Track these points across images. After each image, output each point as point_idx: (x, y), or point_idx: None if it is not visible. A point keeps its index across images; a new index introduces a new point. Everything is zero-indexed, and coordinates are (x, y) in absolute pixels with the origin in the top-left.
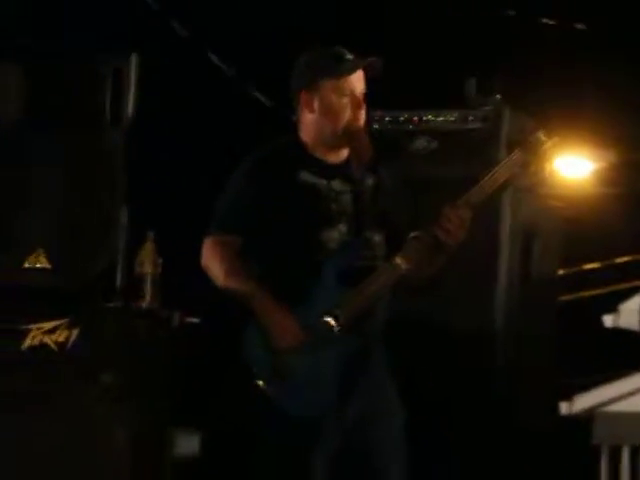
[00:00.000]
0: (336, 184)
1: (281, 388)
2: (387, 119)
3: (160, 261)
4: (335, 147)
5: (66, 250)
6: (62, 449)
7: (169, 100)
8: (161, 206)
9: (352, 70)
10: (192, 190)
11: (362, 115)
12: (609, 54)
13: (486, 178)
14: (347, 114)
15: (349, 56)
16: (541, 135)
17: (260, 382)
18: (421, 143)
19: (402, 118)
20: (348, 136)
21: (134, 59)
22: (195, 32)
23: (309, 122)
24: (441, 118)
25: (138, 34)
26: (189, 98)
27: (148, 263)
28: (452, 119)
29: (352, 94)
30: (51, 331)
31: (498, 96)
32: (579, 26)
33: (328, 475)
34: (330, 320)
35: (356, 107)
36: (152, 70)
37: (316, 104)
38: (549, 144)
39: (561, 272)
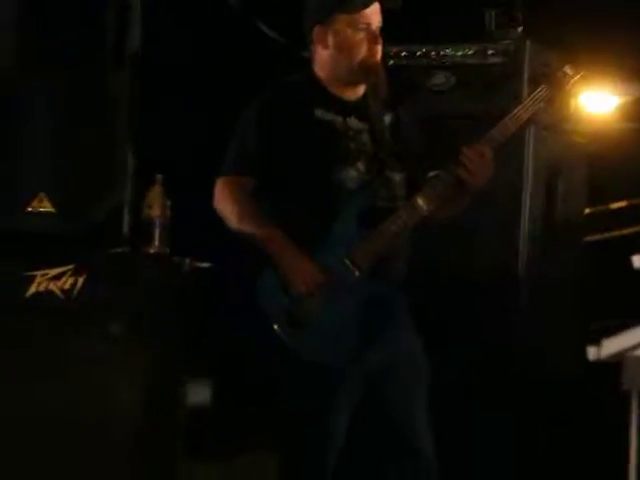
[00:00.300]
0: (353, 122)
1: (299, 334)
2: (403, 54)
3: (169, 204)
4: (351, 83)
5: (70, 194)
6: (71, 402)
7: (175, 37)
8: (170, 148)
9: (367, 4)
10: (202, 131)
11: (379, 49)
12: None
13: (510, 115)
14: (363, 49)
15: None
16: (568, 69)
17: (276, 327)
18: (439, 78)
19: (419, 53)
20: (364, 71)
21: None
22: None
23: (324, 58)
24: (460, 52)
25: None
26: (196, 35)
27: (156, 206)
28: (471, 53)
29: (368, 28)
30: (57, 278)
31: (519, 29)
32: None
33: (354, 422)
34: (349, 263)
35: (372, 41)
36: (157, 4)
37: (330, 39)
38: (576, 79)
39: (587, 211)
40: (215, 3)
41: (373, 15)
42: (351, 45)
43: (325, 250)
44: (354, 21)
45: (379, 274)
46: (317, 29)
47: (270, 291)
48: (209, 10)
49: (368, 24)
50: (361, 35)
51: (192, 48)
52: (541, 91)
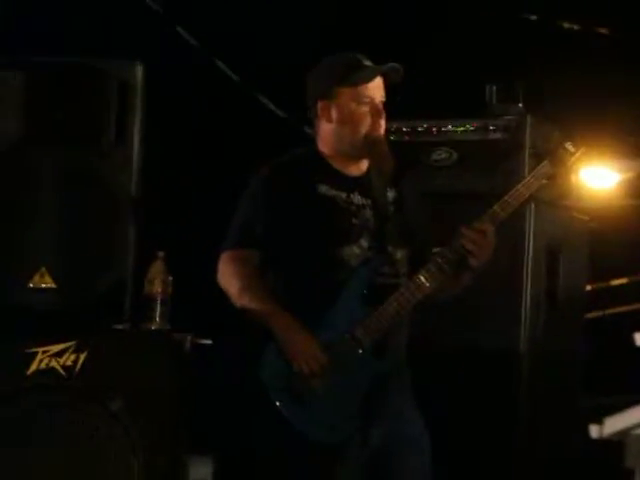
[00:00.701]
0: (356, 197)
1: (301, 412)
2: (405, 130)
3: (170, 280)
4: (355, 157)
5: (72, 269)
6: (71, 478)
7: (177, 112)
8: (172, 224)
9: (370, 77)
10: (204, 206)
11: (382, 124)
12: (634, 60)
13: (512, 192)
14: (367, 122)
15: (367, 62)
16: (570, 146)
17: (279, 404)
18: (441, 154)
19: (420, 129)
20: (368, 146)
21: (140, 70)
22: (203, 40)
23: (327, 132)
24: (461, 128)
25: (143, 42)
26: (198, 110)
27: (158, 283)
28: (472, 129)
29: (371, 102)
30: (58, 354)
31: (520, 104)
32: (603, 31)
33: None
34: (352, 341)
35: (376, 115)
36: (159, 80)
37: (334, 113)
38: (578, 155)
39: (588, 288)
40: (218, 78)
41: (376, 89)
42: (355, 119)
43: (328, 327)
44: (357, 95)
45: (381, 351)
46: (321, 103)
47: (273, 367)
48: (212, 85)
49: (371, 98)
50: (364, 109)
51: (195, 123)
52: (543, 167)
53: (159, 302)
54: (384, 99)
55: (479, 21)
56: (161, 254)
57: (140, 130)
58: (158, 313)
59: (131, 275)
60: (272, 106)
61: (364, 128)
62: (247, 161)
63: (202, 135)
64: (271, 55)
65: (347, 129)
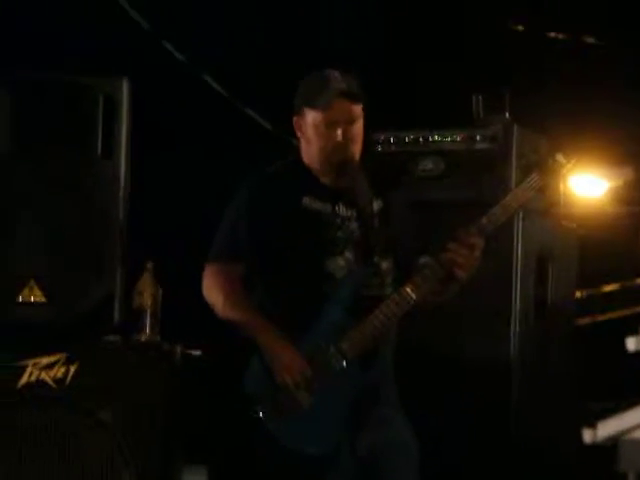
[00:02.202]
0: (341, 209)
1: (286, 424)
2: (392, 140)
3: (160, 292)
4: (327, 174)
5: (61, 283)
6: None
7: (164, 125)
8: (161, 236)
9: (327, 102)
10: (192, 217)
11: (350, 146)
12: (621, 68)
13: (500, 204)
14: (330, 145)
15: (335, 83)
16: (560, 157)
17: (262, 414)
18: (428, 164)
19: (407, 139)
20: (335, 167)
21: (125, 85)
22: (190, 54)
23: (302, 147)
24: (448, 138)
25: (129, 57)
26: (185, 123)
27: (147, 295)
28: (459, 139)
29: (334, 125)
30: (49, 367)
31: (507, 114)
32: (589, 40)
33: None
34: (337, 353)
35: (342, 138)
36: (145, 94)
37: (303, 131)
38: (569, 167)
39: (578, 295)
40: (203, 90)
41: (340, 111)
42: (319, 140)
43: (313, 339)
44: (321, 117)
45: (367, 362)
46: (295, 119)
47: (257, 380)
48: (197, 96)
49: (334, 122)
50: (330, 131)
51: (182, 136)
52: (532, 180)
53: (149, 314)
54: (355, 119)
55: (465, 32)
56: (150, 266)
57: (127, 143)
58: (148, 325)
59: (120, 287)
60: (259, 118)
61: (327, 150)
62: (235, 173)
63: (189, 148)
64: (256, 67)
65: (314, 148)
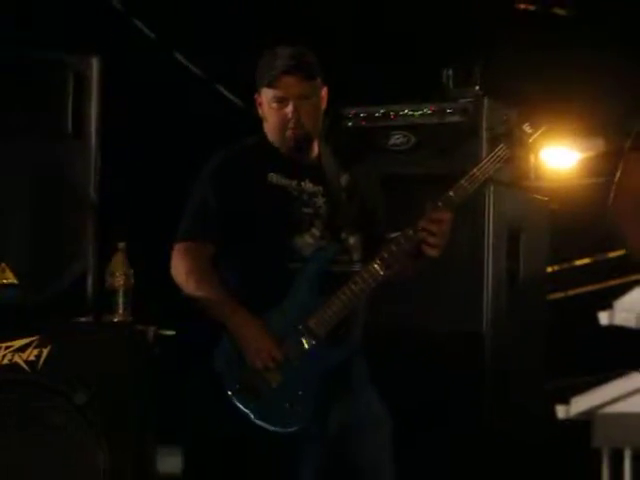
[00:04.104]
0: (308, 185)
1: (256, 403)
2: (362, 115)
3: (132, 272)
4: (287, 150)
5: (33, 264)
6: (38, 474)
7: (135, 104)
8: (132, 215)
9: (273, 78)
10: (165, 197)
11: (302, 123)
12: (593, 40)
13: (467, 176)
14: (284, 120)
15: (283, 60)
16: (527, 127)
17: (231, 394)
18: (398, 139)
19: (378, 114)
20: (292, 143)
21: (96, 63)
22: (161, 32)
23: (265, 124)
24: (418, 112)
25: (99, 34)
26: (156, 101)
27: (119, 275)
28: (430, 113)
29: (287, 100)
30: (21, 349)
31: (477, 87)
32: (559, 11)
33: None
34: (305, 331)
35: (295, 114)
36: (116, 72)
37: (261, 109)
38: (535, 136)
39: (550, 269)
40: (175, 68)
41: (288, 88)
42: (272, 117)
43: (281, 317)
44: (272, 94)
45: (336, 340)
46: (255, 96)
47: (227, 359)
48: (168, 75)
49: (283, 98)
50: (281, 107)
51: (152, 114)
52: (499, 150)
53: (121, 294)
54: (308, 94)
55: (434, 3)
56: (122, 245)
57: (97, 121)
58: (121, 305)
59: (92, 267)
60: (231, 95)
61: (280, 126)
62: (208, 151)
63: (162, 126)
64: (229, 45)
65: (270, 126)
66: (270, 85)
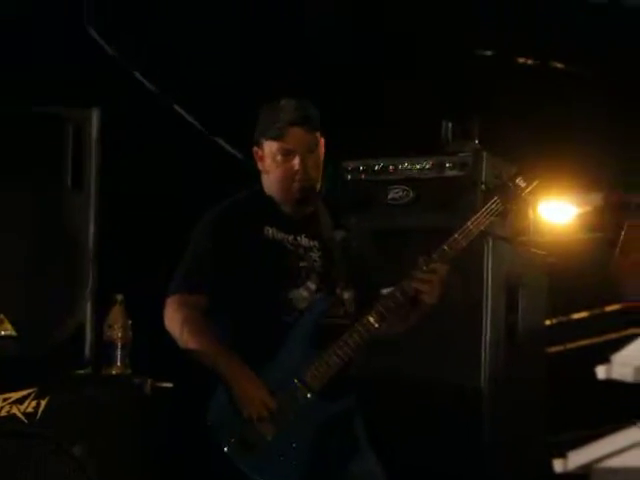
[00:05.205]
0: (303, 240)
1: (250, 456)
2: (361, 169)
3: (130, 324)
4: (289, 204)
5: (31, 316)
6: None
7: (134, 156)
8: (131, 267)
9: (281, 133)
10: (163, 248)
11: (308, 176)
12: (590, 94)
13: (461, 229)
14: (290, 173)
15: (289, 112)
16: (520, 181)
17: (227, 449)
18: (397, 192)
19: (377, 167)
20: (297, 196)
21: (95, 116)
22: (161, 84)
23: (263, 178)
24: (417, 166)
25: (100, 86)
26: (156, 153)
27: (117, 327)
28: (429, 167)
29: (293, 153)
30: (19, 401)
31: (476, 141)
32: (558, 65)
33: None
34: (301, 385)
35: (302, 167)
36: (116, 124)
37: (262, 162)
38: (529, 190)
39: (548, 323)
40: (174, 121)
41: (298, 140)
42: (277, 170)
43: (277, 371)
44: (278, 148)
45: (331, 393)
46: (255, 149)
47: (221, 412)
48: (169, 128)
49: (290, 151)
50: (287, 161)
51: (153, 166)
52: (493, 204)
53: (119, 346)
54: (312, 146)
55: (434, 58)
56: (120, 298)
57: (97, 174)
58: (119, 357)
59: (91, 320)
60: (229, 148)
61: (286, 179)
62: (206, 203)
63: (161, 178)
64: (226, 96)
65: (272, 178)
66: (277, 138)
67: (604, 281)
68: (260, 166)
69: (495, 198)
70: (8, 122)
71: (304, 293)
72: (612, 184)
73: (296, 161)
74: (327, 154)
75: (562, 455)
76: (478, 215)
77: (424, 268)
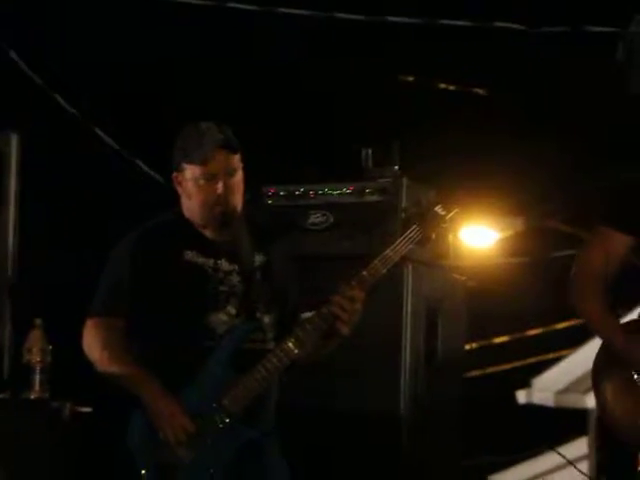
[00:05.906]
0: (224, 264)
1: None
2: (282, 194)
3: (49, 348)
4: (209, 228)
5: None
6: None
7: (54, 179)
8: (49, 291)
9: (204, 157)
10: (82, 273)
11: (231, 199)
12: (511, 120)
13: (380, 256)
14: (214, 197)
15: (211, 136)
16: (439, 209)
17: (144, 472)
18: (317, 218)
19: (297, 192)
20: (219, 220)
21: (15, 139)
22: (81, 107)
23: (183, 202)
24: (337, 192)
25: (19, 110)
26: (75, 176)
27: (36, 351)
28: (349, 192)
29: (215, 178)
30: None
31: (396, 166)
32: (479, 91)
33: None
34: (219, 409)
35: (225, 190)
36: (36, 148)
37: (183, 186)
38: (448, 217)
39: (468, 347)
40: (92, 141)
41: (220, 164)
42: (199, 195)
43: (196, 395)
44: (200, 172)
45: (250, 418)
46: (174, 174)
47: (140, 435)
48: (88, 149)
49: (214, 175)
50: (210, 185)
51: (70, 188)
52: (412, 232)
53: (38, 370)
54: (234, 169)
55: (356, 84)
56: (39, 322)
57: (16, 198)
58: (37, 381)
59: (9, 344)
60: (149, 170)
61: (209, 203)
62: (127, 225)
63: (79, 200)
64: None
65: (194, 203)
66: (201, 162)
67: (524, 305)
68: (180, 190)
69: (414, 226)
70: None
71: (224, 317)
72: (533, 209)
73: (219, 185)
74: (247, 179)
75: (482, 479)
76: (397, 242)
77: (344, 294)
